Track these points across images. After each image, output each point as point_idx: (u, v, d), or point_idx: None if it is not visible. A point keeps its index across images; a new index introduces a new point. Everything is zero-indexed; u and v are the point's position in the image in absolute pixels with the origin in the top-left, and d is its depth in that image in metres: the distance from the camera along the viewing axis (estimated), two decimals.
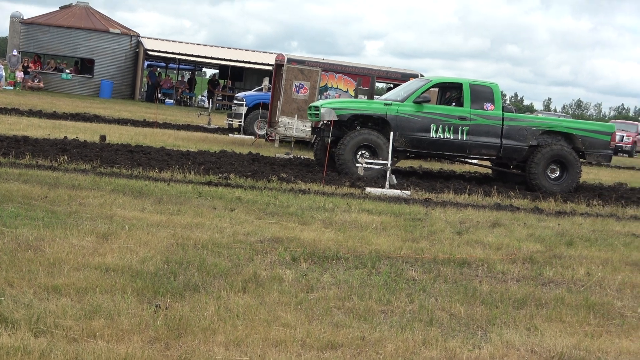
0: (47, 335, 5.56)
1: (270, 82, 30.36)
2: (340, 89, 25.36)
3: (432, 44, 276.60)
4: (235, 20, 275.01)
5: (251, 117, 28.70)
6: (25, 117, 26.03)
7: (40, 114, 27.81)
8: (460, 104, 18.18)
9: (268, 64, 45.51)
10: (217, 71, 62.67)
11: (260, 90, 31.39)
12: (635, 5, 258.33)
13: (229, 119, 31.76)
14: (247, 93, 31.58)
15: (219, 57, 56.82)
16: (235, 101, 31.23)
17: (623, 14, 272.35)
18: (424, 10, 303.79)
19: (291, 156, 20.56)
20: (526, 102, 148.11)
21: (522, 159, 18.26)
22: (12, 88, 48.53)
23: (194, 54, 57.14)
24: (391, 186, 15.48)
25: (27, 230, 8.53)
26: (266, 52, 58.15)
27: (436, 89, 19.27)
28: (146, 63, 58.51)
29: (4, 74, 49.37)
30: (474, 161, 20.60)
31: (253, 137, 26.44)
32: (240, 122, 28.87)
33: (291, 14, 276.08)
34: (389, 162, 16.00)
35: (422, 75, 24.29)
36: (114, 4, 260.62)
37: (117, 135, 21.84)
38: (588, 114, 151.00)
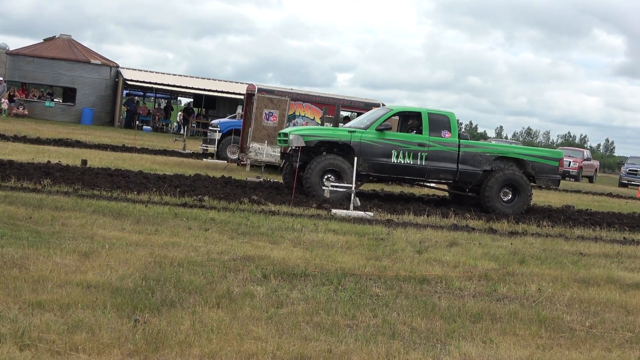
0: (32, 348, 5.49)
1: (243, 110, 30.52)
2: (307, 117, 25.39)
3: (399, 75, 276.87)
4: (216, 53, 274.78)
5: (224, 142, 28.57)
6: (10, 143, 25.78)
7: (24, 140, 27.56)
8: (419, 131, 18.23)
9: (240, 93, 45.42)
10: (191, 100, 62.55)
11: (234, 117, 31.28)
12: (591, 42, 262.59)
13: (204, 145, 31.65)
14: (222, 120, 31.40)
15: (194, 86, 56.81)
16: (210, 127, 31.07)
17: (579, 50, 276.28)
18: (393, 45, 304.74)
19: (262, 179, 20.52)
20: (480, 130, 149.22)
21: (477, 183, 18.32)
22: None
23: (169, 83, 57.11)
24: (355, 208, 15.49)
25: (12, 249, 8.43)
26: (239, 82, 58.06)
27: (397, 118, 19.30)
28: (125, 92, 58.31)
29: None
30: (432, 185, 20.66)
31: (226, 161, 26.38)
32: (214, 147, 28.74)
33: (268, 47, 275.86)
34: (353, 186, 16.03)
35: (384, 105, 24.37)
36: (101, 37, 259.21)
37: (97, 159, 21.69)
38: (537, 140, 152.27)
